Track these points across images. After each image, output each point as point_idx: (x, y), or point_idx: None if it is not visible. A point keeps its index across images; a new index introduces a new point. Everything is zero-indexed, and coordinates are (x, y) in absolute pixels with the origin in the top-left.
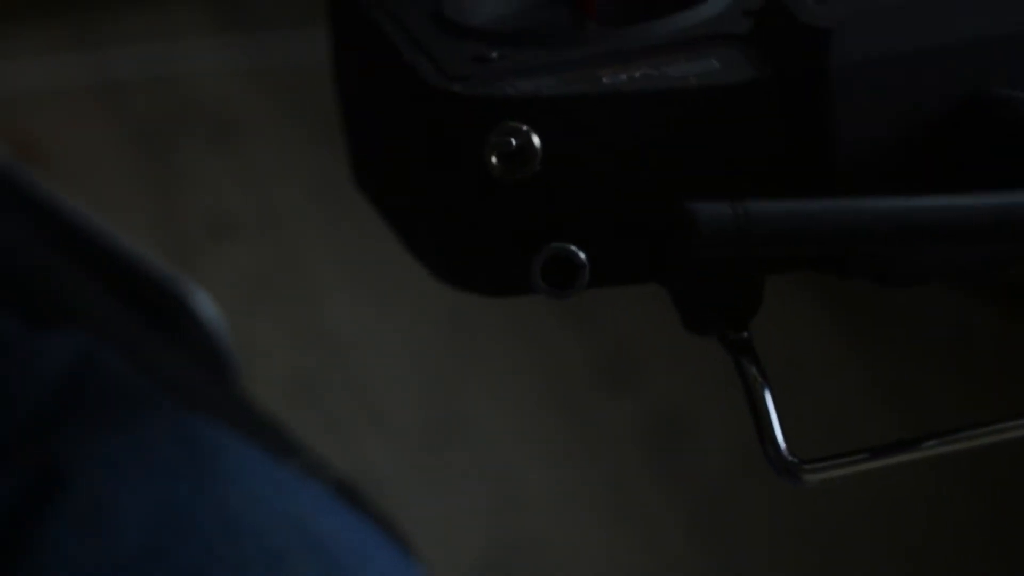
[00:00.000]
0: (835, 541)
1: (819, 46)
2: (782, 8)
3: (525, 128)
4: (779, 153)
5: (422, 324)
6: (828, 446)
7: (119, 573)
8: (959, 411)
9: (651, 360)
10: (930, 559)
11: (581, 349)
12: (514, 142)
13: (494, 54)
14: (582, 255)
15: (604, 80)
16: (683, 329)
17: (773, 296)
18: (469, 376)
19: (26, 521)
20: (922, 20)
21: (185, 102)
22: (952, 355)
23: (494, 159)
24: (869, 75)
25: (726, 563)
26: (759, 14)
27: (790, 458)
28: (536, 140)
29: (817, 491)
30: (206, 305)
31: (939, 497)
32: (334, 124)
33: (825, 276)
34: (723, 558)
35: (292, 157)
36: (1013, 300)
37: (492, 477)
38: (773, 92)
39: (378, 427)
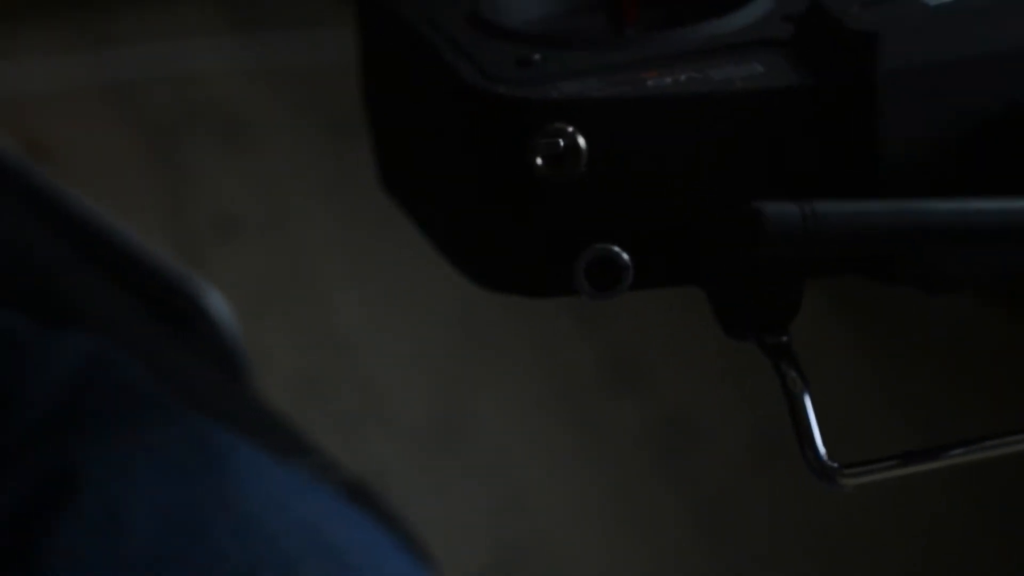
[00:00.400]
0: (840, 542)
1: (865, 51)
2: (826, 13)
3: (571, 130)
4: (823, 157)
5: (431, 323)
6: (843, 448)
7: None
8: (967, 414)
9: (658, 362)
10: (936, 559)
11: (588, 350)
12: (561, 143)
13: (537, 56)
14: (626, 257)
15: (649, 83)
16: (723, 334)
17: None
18: (477, 376)
19: (37, 524)
20: (966, 28)
21: (193, 102)
22: (959, 358)
23: (539, 160)
24: (914, 81)
25: (732, 564)
26: (801, 19)
27: (829, 463)
28: (582, 142)
29: (822, 493)
30: (218, 304)
31: (946, 497)
32: (342, 123)
33: (870, 281)
34: (729, 559)
35: (300, 156)
36: (1018, 301)
37: (499, 477)
38: (818, 97)
39: (386, 426)
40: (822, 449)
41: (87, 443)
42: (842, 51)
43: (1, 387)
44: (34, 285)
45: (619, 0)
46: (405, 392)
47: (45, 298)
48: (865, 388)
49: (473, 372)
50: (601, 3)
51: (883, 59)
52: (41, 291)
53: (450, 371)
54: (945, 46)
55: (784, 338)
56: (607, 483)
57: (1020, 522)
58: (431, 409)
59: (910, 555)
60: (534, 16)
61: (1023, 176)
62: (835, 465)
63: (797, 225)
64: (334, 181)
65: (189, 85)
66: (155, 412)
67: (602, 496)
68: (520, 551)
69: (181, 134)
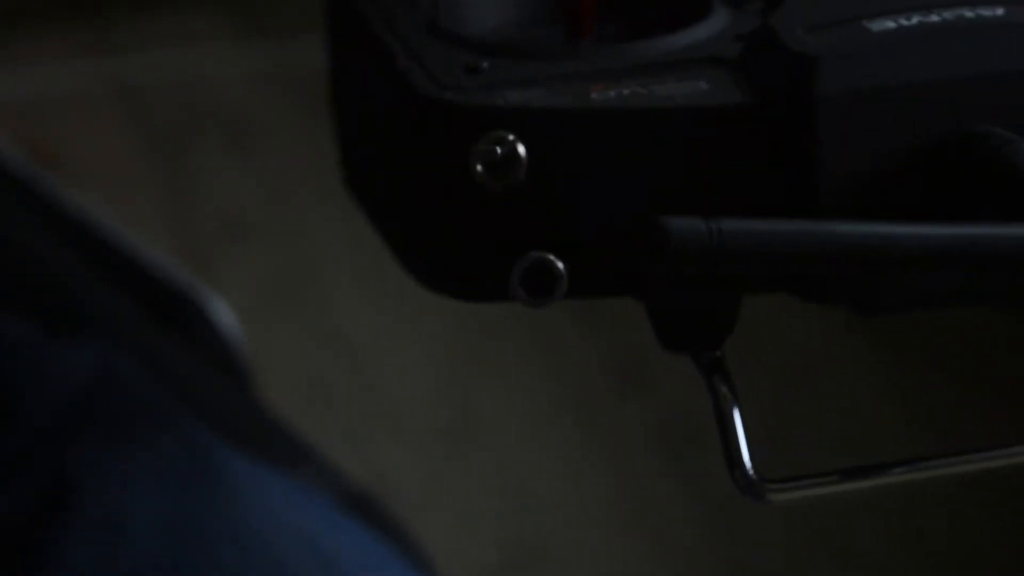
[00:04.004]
0: (847, 541)
1: (806, 74)
2: (772, 34)
3: (512, 138)
4: (762, 176)
5: (436, 327)
6: (836, 454)
7: None
8: (966, 419)
9: (663, 364)
10: (945, 559)
11: (594, 353)
12: (499, 151)
13: (485, 64)
14: (560, 266)
15: (593, 95)
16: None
17: (786, 304)
18: (483, 379)
19: (37, 531)
20: (908, 55)
21: (201, 106)
22: (961, 362)
23: (479, 167)
24: (853, 105)
25: (738, 563)
26: (749, 39)
27: (755, 478)
28: (522, 150)
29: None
30: (223, 311)
31: (955, 500)
32: None
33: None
34: (735, 558)
35: (306, 160)
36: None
37: (506, 479)
38: (759, 116)
39: (392, 429)
40: (749, 464)
41: (89, 452)
42: (784, 72)
43: (6, 396)
44: (41, 293)
45: (576, 12)
46: (411, 395)
47: (52, 306)
48: (870, 392)
49: (479, 375)
50: (559, 15)
51: (822, 82)
52: (48, 299)
53: (456, 374)
54: (885, 71)
55: (717, 353)
56: (614, 484)
57: None
58: (437, 412)
59: (919, 553)
60: (492, 25)
61: (960, 201)
62: (758, 479)
63: (703, 241)
64: (340, 185)
65: (196, 90)
66: (157, 422)
67: (609, 496)
68: (528, 551)
69: (188, 138)
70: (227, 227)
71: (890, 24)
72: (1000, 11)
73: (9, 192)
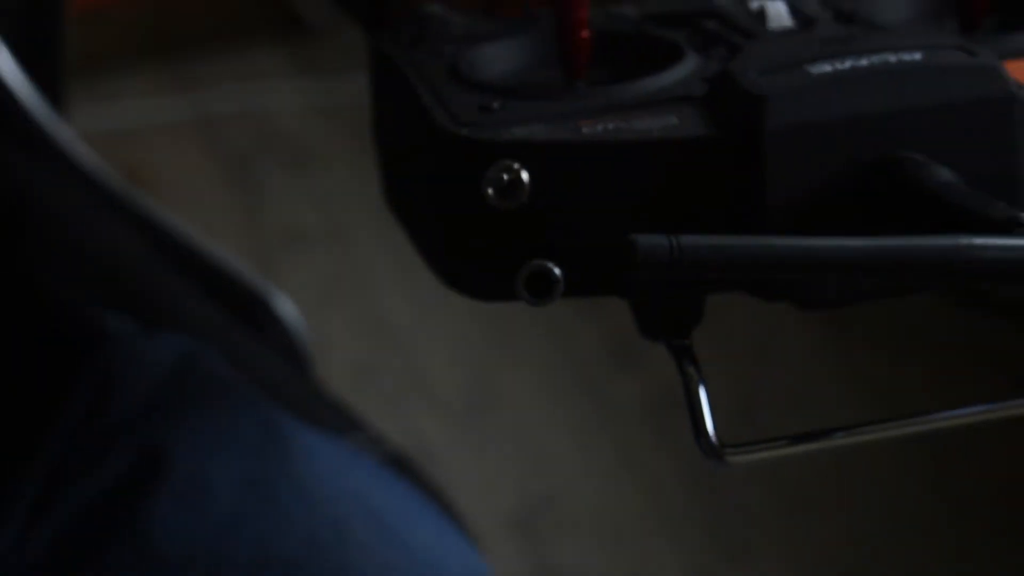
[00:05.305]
0: (806, 493)
1: (756, 110)
2: (731, 77)
3: (516, 166)
4: (723, 197)
5: (463, 318)
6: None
7: (210, 537)
8: (899, 390)
9: (650, 347)
10: (883, 508)
11: (594, 338)
12: (506, 177)
13: (496, 104)
14: (557, 271)
15: (583, 130)
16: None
17: (743, 300)
18: (503, 360)
19: (134, 493)
20: (841, 94)
21: (267, 134)
22: (895, 341)
23: (490, 190)
24: (796, 136)
25: (716, 512)
26: (713, 81)
27: (716, 444)
28: (525, 176)
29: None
30: (286, 306)
31: (893, 459)
32: None
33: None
34: (713, 508)
35: (356, 180)
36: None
37: (522, 443)
38: (720, 146)
39: (427, 402)
40: (712, 433)
41: (178, 426)
42: (740, 109)
43: (109, 378)
44: (136, 292)
45: (571, 60)
46: (443, 374)
47: (145, 303)
48: (827, 373)
49: (499, 357)
50: (558, 61)
51: (769, 117)
52: (142, 297)
53: (480, 356)
54: (822, 107)
55: (687, 341)
56: (611, 446)
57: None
58: (465, 388)
59: (863, 498)
60: (502, 71)
61: (885, 215)
62: (720, 445)
63: (665, 255)
64: (380, 201)
65: (260, 120)
66: (234, 399)
67: (607, 456)
68: (541, 503)
69: (255, 161)
70: (288, 236)
71: (827, 68)
72: (918, 56)
73: (109, 208)
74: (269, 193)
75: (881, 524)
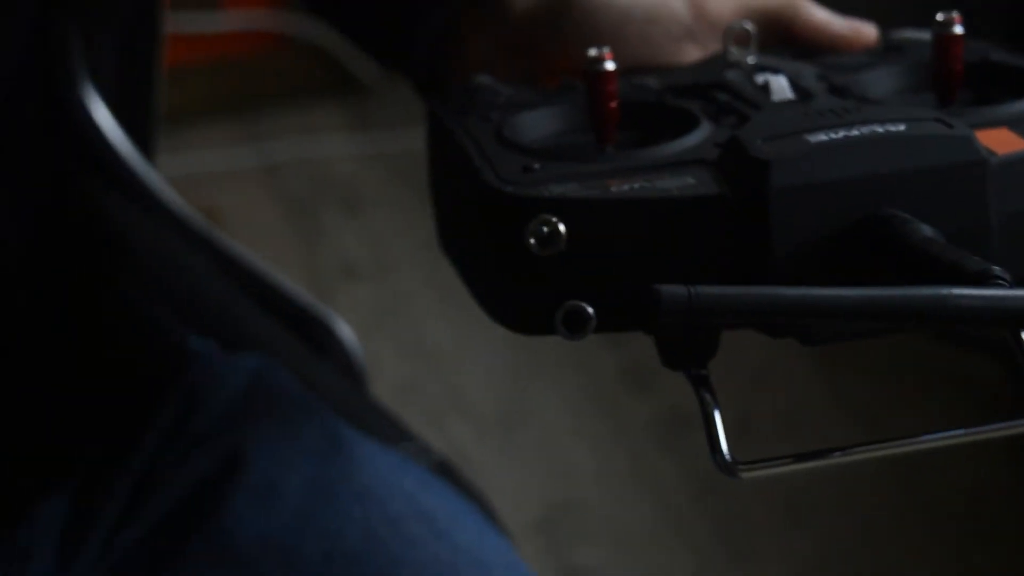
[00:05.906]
0: (804, 504)
1: (761, 173)
2: (740, 144)
3: (554, 220)
4: (734, 247)
5: (497, 343)
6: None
7: (281, 533)
8: (886, 416)
9: (664, 373)
10: (871, 521)
11: (613, 361)
12: (545, 230)
13: (536, 165)
14: (591, 310)
15: (612, 188)
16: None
17: (752, 336)
18: (532, 382)
19: (216, 492)
20: (836, 159)
21: (324, 180)
22: (883, 371)
23: (532, 240)
24: (796, 196)
25: (720, 520)
26: (724, 146)
27: (729, 460)
28: (562, 228)
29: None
30: (344, 330)
31: (877, 476)
32: None
33: (760, 334)
34: (720, 517)
35: (403, 220)
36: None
37: (548, 455)
38: (731, 204)
39: (464, 417)
40: (726, 450)
41: (253, 435)
42: (747, 172)
43: (194, 392)
44: (215, 316)
45: (601, 127)
46: (478, 393)
47: (225, 326)
48: (820, 399)
49: (529, 378)
50: (589, 127)
51: (773, 179)
52: (222, 320)
53: (512, 378)
54: (820, 171)
55: (704, 371)
56: (627, 459)
57: None
58: (499, 405)
59: (853, 513)
60: (541, 135)
61: (882, 267)
62: (733, 461)
63: (683, 302)
64: (427, 238)
65: (320, 168)
66: (301, 412)
67: (623, 469)
68: (563, 507)
69: (315, 204)
70: (344, 269)
71: (823, 137)
72: (902, 127)
73: (190, 243)
74: (326, 232)
75: (865, 528)
